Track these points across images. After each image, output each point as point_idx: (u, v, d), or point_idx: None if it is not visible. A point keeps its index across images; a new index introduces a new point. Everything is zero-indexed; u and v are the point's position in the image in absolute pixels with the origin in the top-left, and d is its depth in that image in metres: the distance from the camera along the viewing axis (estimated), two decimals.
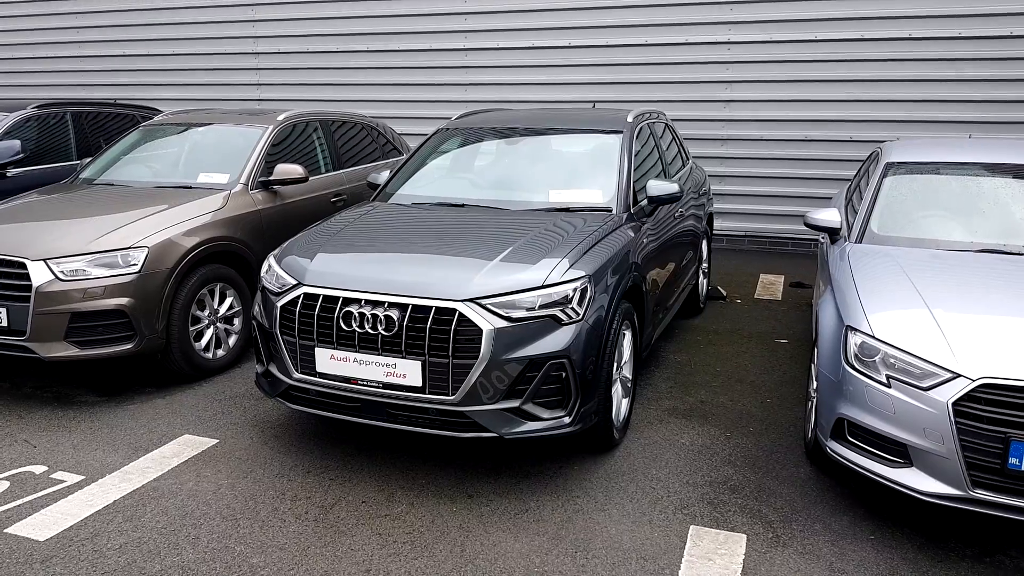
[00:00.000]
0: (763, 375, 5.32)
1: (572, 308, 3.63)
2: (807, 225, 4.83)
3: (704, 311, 6.80)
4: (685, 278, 5.74)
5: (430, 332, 3.53)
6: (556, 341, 3.58)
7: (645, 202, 4.75)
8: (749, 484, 3.86)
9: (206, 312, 5.14)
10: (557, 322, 3.59)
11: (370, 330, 3.59)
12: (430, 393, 3.57)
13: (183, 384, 5.05)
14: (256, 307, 4.16)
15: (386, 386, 3.63)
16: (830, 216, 4.73)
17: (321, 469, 3.94)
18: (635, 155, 4.90)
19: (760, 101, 9.03)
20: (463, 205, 4.65)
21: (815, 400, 4.07)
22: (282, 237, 5.73)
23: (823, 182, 8.97)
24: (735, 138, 9.14)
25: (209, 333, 5.17)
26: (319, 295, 3.75)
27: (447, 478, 3.86)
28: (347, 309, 3.64)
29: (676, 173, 5.85)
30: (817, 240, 9.14)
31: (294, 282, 3.88)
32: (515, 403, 3.57)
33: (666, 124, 6.04)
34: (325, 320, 3.70)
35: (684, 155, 6.43)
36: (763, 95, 9.00)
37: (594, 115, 5.45)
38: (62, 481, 3.80)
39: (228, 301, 5.29)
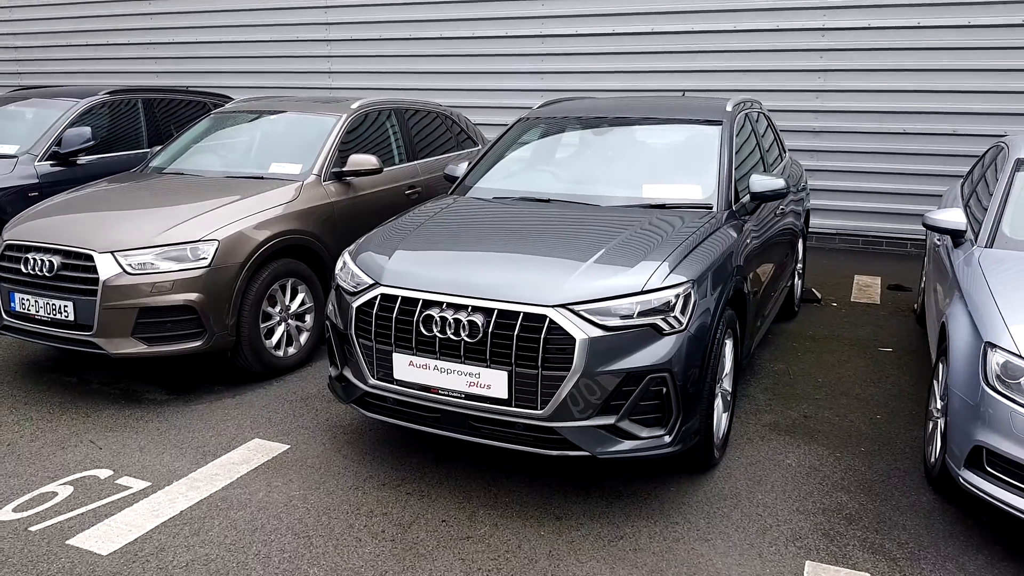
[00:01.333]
0: (869, 387, 4.87)
1: (675, 317, 3.28)
2: (926, 226, 4.36)
3: (798, 315, 6.33)
4: (784, 281, 5.30)
5: (518, 340, 3.22)
6: (657, 353, 3.23)
7: (747, 199, 4.35)
8: (867, 513, 3.45)
9: (277, 308, 4.94)
10: (658, 332, 3.24)
11: (452, 336, 3.30)
12: (517, 406, 3.27)
13: (253, 383, 4.86)
14: (330, 306, 3.92)
15: (469, 396, 3.34)
16: (953, 217, 4.25)
17: (397, 481, 3.68)
18: (735, 147, 4.49)
19: (856, 91, 8.44)
20: (548, 200, 4.32)
21: (941, 422, 3.62)
22: (355, 230, 5.50)
23: (923, 178, 8.35)
24: (828, 130, 8.58)
25: (280, 330, 4.97)
26: (397, 296, 3.48)
27: (533, 496, 3.55)
28: (427, 312, 3.35)
29: (775, 167, 5.41)
30: (916, 240, 8.56)
31: (370, 282, 3.62)
32: (610, 420, 3.24)
33: (761, 113, 5.59)
34: (404, 324, 3.43)
35: (781, 147, 5.97)
36: (860, 84, 8.42)
37: (689, 104, 5.05)
38: (127, 487, 3.63)
39: (300, 297, 5.09)
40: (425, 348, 3.39)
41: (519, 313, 3.24)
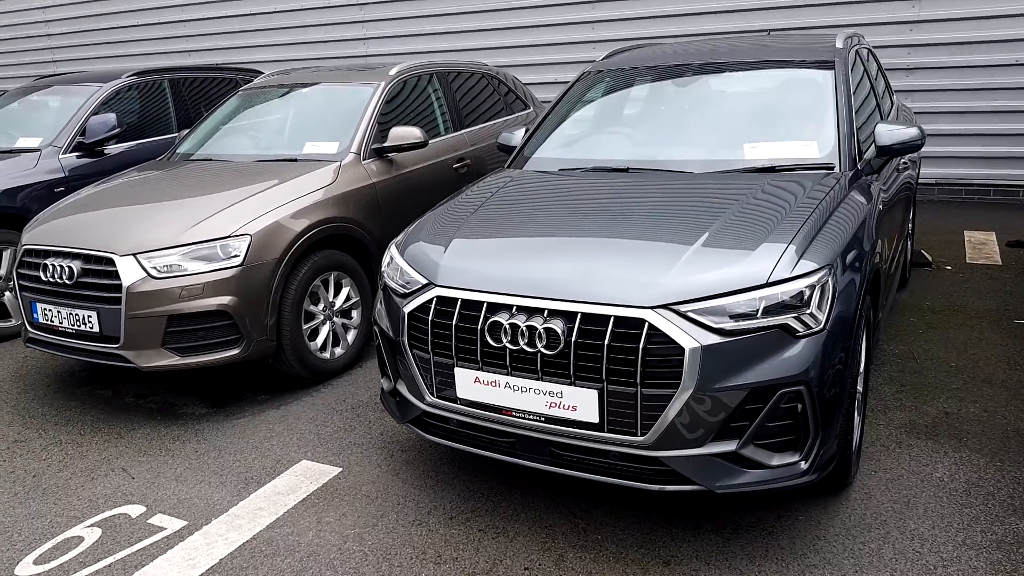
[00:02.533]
0: (1015, 372, 4.10)
1: (810, 314, 2.59)
2: None
3: (909, 282, 5.54)
4: (901, 245, 4.53)
5: (609, 351, 2.58)
6: (790, 361, 2.56)
7: (872, 153, 3.60)
8: None
9: (320, 306, 4.39)
10: (790, 334, 2.57)
11: (526, 347, 2.68)
12: (611, 432, 2.64)
13: (298, 389, 4.34)
14: (377, 307, 3.34)
15: (550, 420, 2.73)
16: None
17: (467, 514, 3.11)
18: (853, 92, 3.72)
19: (955, 20, 7.44)
20: (627, 169, 3.63)
21: None
22: (400, 214, 4.90)
23: None
24: (923, 66, 7.62)
25: (325, 330, 4.43)
26: (456, 299, 2.86)
27: (630, 532, 2.94)
28: (494, 319, 2.74)
29: (889, 113, 4.61)
30: None
31: (423, 281, 3.01)
32: (730, 446, 2.59)
33: (869, 50, 4.77)
34: (466, 332, 2.82)
35: (889, 89, 5.13)
36: (959, 11, 7.41)
37: (786, 43, 4.27)
38: (161, 528, 3.14)
39: (344, 292, 4.53)
40: (493, 361, 2.78)
41: (609, 317, 2.60)
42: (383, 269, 3.37)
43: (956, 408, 3.76)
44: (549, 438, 2.76)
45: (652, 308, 2.57)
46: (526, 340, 2.68)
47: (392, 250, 3.38)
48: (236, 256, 3.97)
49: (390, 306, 3.18)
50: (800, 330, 2.57)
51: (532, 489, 3.24)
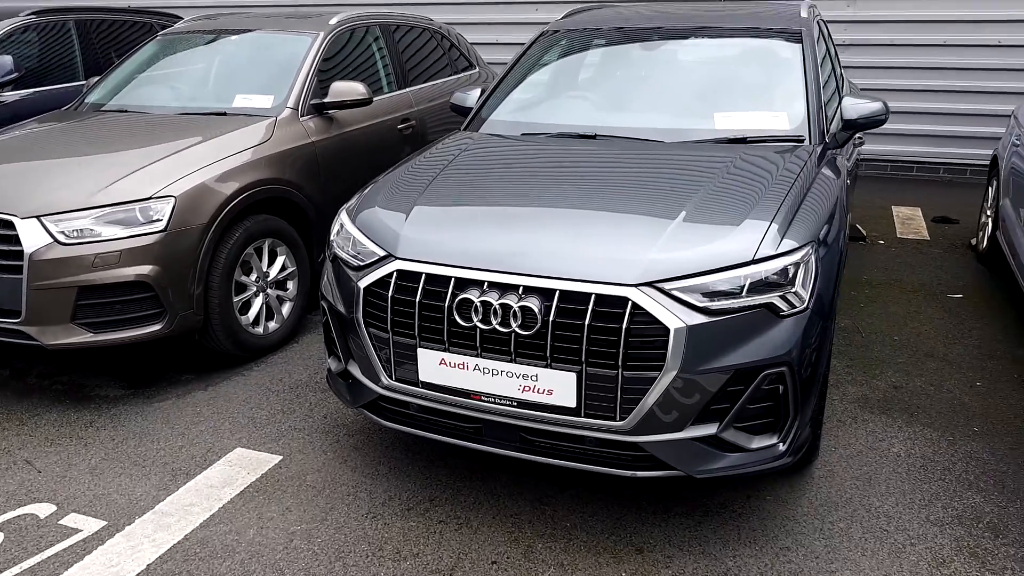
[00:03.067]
0: (953, 345, 4.18)
1: (795, 293, 2.49)
2: None
3: (847, 256, 5.61)
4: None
5: (590, 331, 2.41)
6: (774, 342, 2.45)
7: (837, 127, 3.53)
8: (1012, 521, 2.78)
9: (253, 276, 4.06)
10: (774, 313, 2.46)
11: (499, 327, 2.49)
12: (588, 416, 2.49)
13: (228, 368, 4.02)
14: (325, 281, 3.07)
15: (523, 404, 2.55)
16: None
17: (425, 504, 2.91)
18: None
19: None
20: (594, 136, 3.45)
21: None
22: (341, 177, 4.60)
23: (961, 95, 7.56)
24: (859, 43, 7.69)
25: (258, 303, 4.10)
26: (420, 274, 2.64)
27: (599, 518, 2.82)
28: (463, 295, 2.53)
29: (843, 87, 4.57)
30: (951, 165, 7.80)
31: (381, 252, 2.76)
32: (711, 429, 2.48)
33: (824, 22, 4.72)
34: (431, 310, 2.60)
35: (840, 63, 5.12)
36: None
37: (752, 11, 4.15)
38: (76, 530, 2.81)
39: (280, 261, 4.20)
40: (461, 342, 2.58)
41: (590, 295, 2.43)
42: (332, 238, 3.09)
43: (904, 382, 3.79)
44: (520, 423, 2.59)
45: (636, 286, 2.41)
46: (499, 319, 2.48)
47: (342, 217, 3.11)
48: (158, 220, 3.60)
49: (341, 279, 2.92)
50: (784, 309, 2.46)
51: (493, 475, 3.07)
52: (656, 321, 2.38)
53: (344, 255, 2.93)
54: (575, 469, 2.61)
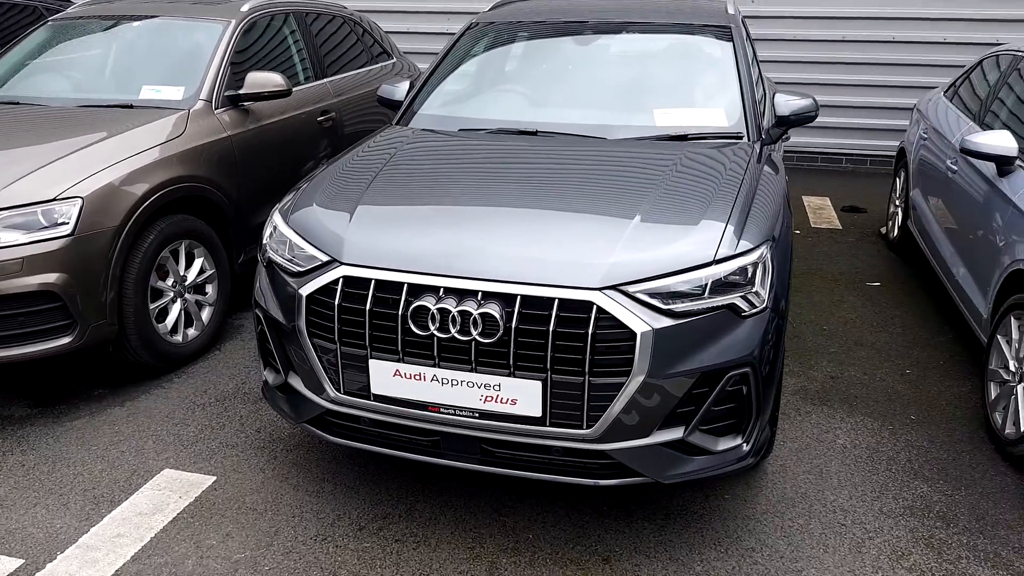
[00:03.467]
0: (879, 333, 4.32)
1: (755, 292, 2.46)
2: (964, 151, 3.72)
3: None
4: None
5: (554, 337, 2.32)
6: (737, 342, 2.42)
7: (770, 123, 3.55)
8: (959, 508, 2.86)
9: (169, 281, 3.77)
10: (736, 314, 2.42)
11: (458, 335, 2.35)
12: (554, 425, 2.39)
13: (147, 380, 3.72)
14: (258, 287, 2.86)
15: (485, 415, 2.43)
16: (1001, 141, 3.62)
17: (378, 522, 2.75)
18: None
19: None
20: (535, 133, 3.35)
21: (1021, 388, 3.08)
22: (261, 173, 4.34)
23: (860, 89, 7.85)
24: (763, 38, 7.88)
25: (176, 309, 3.81)
26: (369, 280, 2.47)
27: (561, 528, 2.73)
28: (419, 303, 2.38)
29: (761, 82, 4.63)
30: (852, 156, 8.11)
31: (324, 258, 2.58)
32: (677, 433, 2.43)
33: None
34: (383, 319, 2.44)
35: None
36: None
37: (679, 4, 4.13)
38: None
39: (197, 263, 3.92)
40: (418, 352, 2.43)
41: (553, 300, 2.33)
42: (265, 241, 2.88)
43: (839, 372, 3.88)
44: (481, 435, 2.47)
45: (599, 289, 2.33)
46: (458, 327, 2.35)
47: (276, 218, 2.90)
48: (64, 224, 3.28)
49: (278, 286, 2.72)
50: (745, 309, 2.43)
51: (447, 486, 2.94)
52: (622, 325, 2.30)
53: (280, 260, 2.72)
54: (540, 480, 2.51)
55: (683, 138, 3.24)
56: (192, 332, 3.91)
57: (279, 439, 3.26)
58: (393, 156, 3.14)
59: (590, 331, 2.29)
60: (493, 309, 2.33)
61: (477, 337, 2.34)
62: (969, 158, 3.95)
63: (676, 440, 2.43)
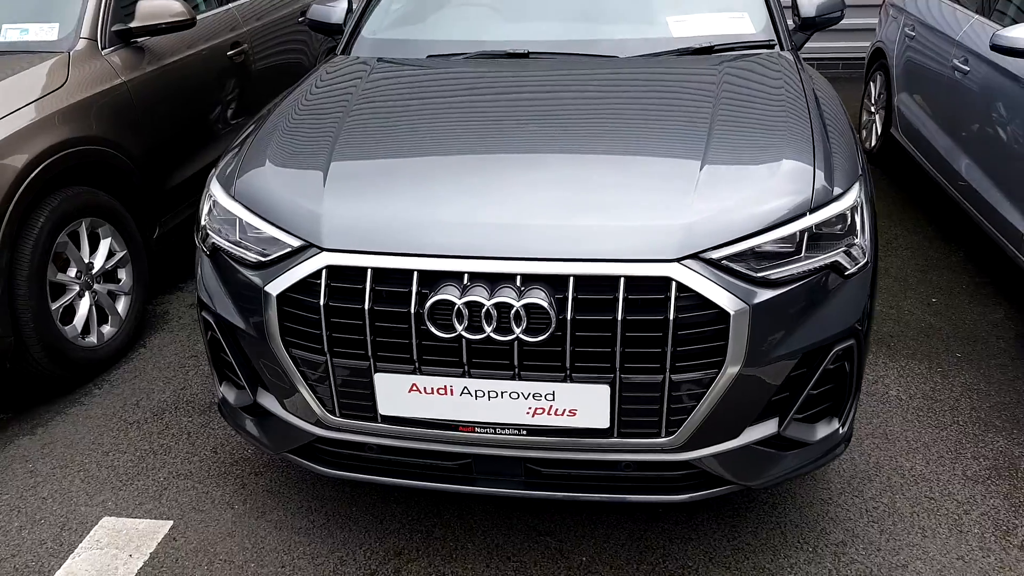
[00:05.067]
0: (889, 258, 3.95)
1: (858, 245, 1.97)
2: (997, 48, 3.29)
3: None
4: None
5: (624, 327, 1.78)
6: (844, 310, 1.94)
7: (795, 28, 3.01)
8: None
9: (72, 272, 3.02)
10: (839, 273, 1.93)
11: (495, 335, 1.78)
12: (623, 436, 1.88)
13: (62, 398, 2.99)
14: (202, 284, 2.19)
15: (535, 431, 1.89)
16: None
17: (392, 560, 2.20)
18: None
19: None
20: (527, 54, 2.71)
21: None
22: (168, 126, 3.56)
23: None
24: None
25: (85, 304, 3.07)
26: (366, 269, 1.85)
27: (617, 544, 2.24)
28: (439, 296, 1.78)
29: None
30: (837, 60, 7.62)
31: (296, 243, 1.94)
32: (771, 428, 1.96)
33: None
34: (391, 319, 1.84)
35: None
36: None
37: None
38: None
39: (104, 245, 3.16)
40: (440, 359, 1.85)
41: (618, 279, 1.78)
42: (203, 222, 2.20)
43: None
44: (528, 454, 1.93)
45: (678, 260, 1.79)
46: (493, 325, 1.78)
47: (214, 188, 2.21)
48: None
49: (231, 281, 2.07)
50: (849, 267, 1.94)
51: (467, 504, 2.40)
52: (710, 304, 1.78)
53: (229, 246, 2.06)
54: (601, 503, 2.01)
55: (708, 50, 2.67)
56: (108, 329, 3.18)
57: (243, 460, 2.63)
58: (356, 96, 2.46)
59: (670, 316, 1.76)
60: (539, 297, 1.76)
61: (521, 336, 1.77)
62: (993, 56, 3.54)
63: (771, 436, 1.96)
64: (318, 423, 2.01)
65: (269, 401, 2.10)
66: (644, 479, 1.96)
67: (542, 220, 1.85)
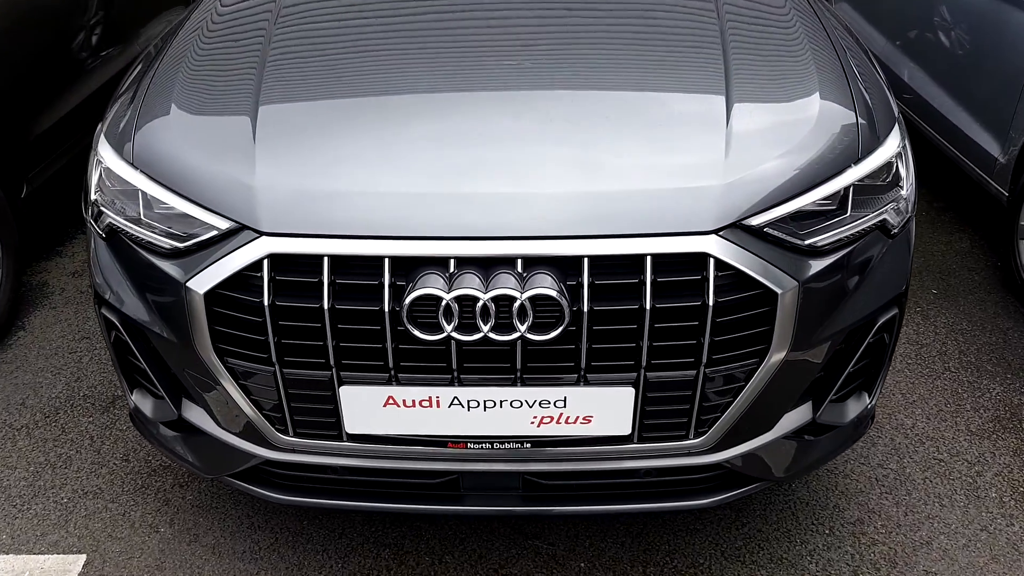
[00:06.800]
0: None
1: (904, 198, 1.69)
2: None
3: None
4: None
5: (653, 316, 1.45)
6: (890, 276, 1.66)
7: None
8: None
9: None
10: (885, 233, 1.65)
11: (493, 335, 1.42)
12: (645, 441, 1.57)
13: None
14: (98, 272, 1.72)
15: (540, 443, 1.56)
16: None
17: None
18: None
19: None
20: None
21: None
22: (18, 59, 2.93)
23: None
24: None
25: None
26: (321, 257, 1.44)
27: (617, 545, 1.96)
28: (421, 289, 1.40)
29: None
30: None
31: (223, 224, 1.49)
32: (807, 415, 1.69)
33: None
34: (357, 319, 1.45)
35: None
36: None
37: None
38: None
39: None
40: (423, 366, 1.48)
41: (644, 258, 1.43)
42: (92, 195, 1.71)
43: None
44: (527, 468, 1.61)
45: (716, 232, 1.45)
46: (491, 322, 1.41)
47: (102, 149, 1.71)
48: None
49: (136, 272, 1.61)
50: (895, 225, 1.66)
51: (445, 524, 2.07)
52: (755, 284, 1.46)
53: (129, 227, 1.59)
54: (613, 514, 1.73)
55: None
56: None
57: (162, 468, 2.20)
58: (277, 12, 1.95)
59: (710, 300, 1.44)
60: (548, 286, 1.40)
61: (526, 333, 1.42)
62: None
63: (806, 424, 1.70)
64: (264, 443, 1.62)
65: (198, 416, 1.69)
66: (662, 484, 1.68)
67: (546, 186, 1.47)
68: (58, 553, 1.97)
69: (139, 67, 2.00)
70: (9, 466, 2.22)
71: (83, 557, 1.95)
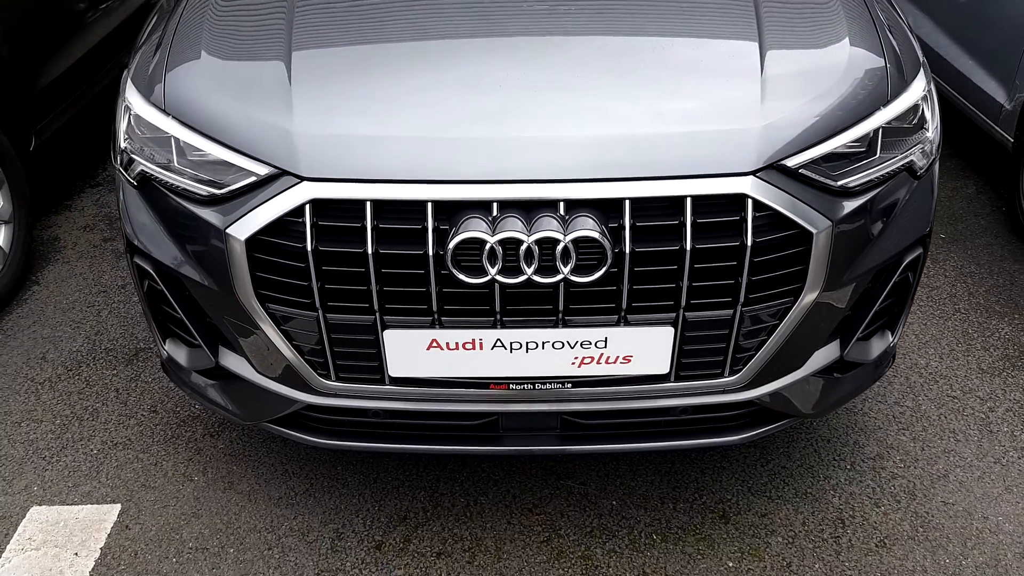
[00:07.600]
0: None
1: (929, 140, 1.70)
2: None
3: None
4: None
5: (693, 256, 1.47)
6: (916, 216, 1.69)
7: None
8: None
9: None
10: (912, 175, 1.67)
11: (536, 277, 1.44)
12: (682, 379, 1.61)
13: None
14: (128, 220, 1.71)
15: (581, 382, 1.60)
16: None
17: (398, 528, 1.90)
18: None
19: None
20: None
21: None
22: (22, 10, 2.86)
23: None
24: None
25: None
26: (364, 202, 1.44)
27: (647, 484, 2.01)
28: (465, 234, 1.41)
29: None
30: None
31: (263, 171, 1.49)
32: (834, 353, 1.73)
33: None
34: (400, 263, 1.46)
35: None
36: None
37: None
38: None
39: None
40: (466, 309, 1.50)
41: (684, 200, 1.45)
42: (121, 142, 1.69)
43: None
44: (567, 407, 1.64)
45: (754, 173, 1.47)
46: (535, 265, 1.43)
47: (130, 95, 1.69)
48: None
49: (172, 219, 1.61)
50: (921, 167, 1.68)
51: (472, 456, 2.11)
52: (791, 224, 1.48)
53: (163, 174, 1.59)
54: (649, 451, 1.77)
55: None
56: None
57: (191, 419, 2.23)
58: None
59: (748, 240, 1.46)
60: (590, 228, 1.41)
61: (569, 275, 1.44)
62: None
63: (834, 362, 1.74)
64: (306, 388, 1.64)
65: (237, 363, 1.70)
66: (696, 422, 1.72)
67: (588, 129, 1.48)
68: (92, 503, 2.00)
69: (155, 17, 1.97)
70: (35, 419, 2.24)
71: (117, 506, 1.98)
